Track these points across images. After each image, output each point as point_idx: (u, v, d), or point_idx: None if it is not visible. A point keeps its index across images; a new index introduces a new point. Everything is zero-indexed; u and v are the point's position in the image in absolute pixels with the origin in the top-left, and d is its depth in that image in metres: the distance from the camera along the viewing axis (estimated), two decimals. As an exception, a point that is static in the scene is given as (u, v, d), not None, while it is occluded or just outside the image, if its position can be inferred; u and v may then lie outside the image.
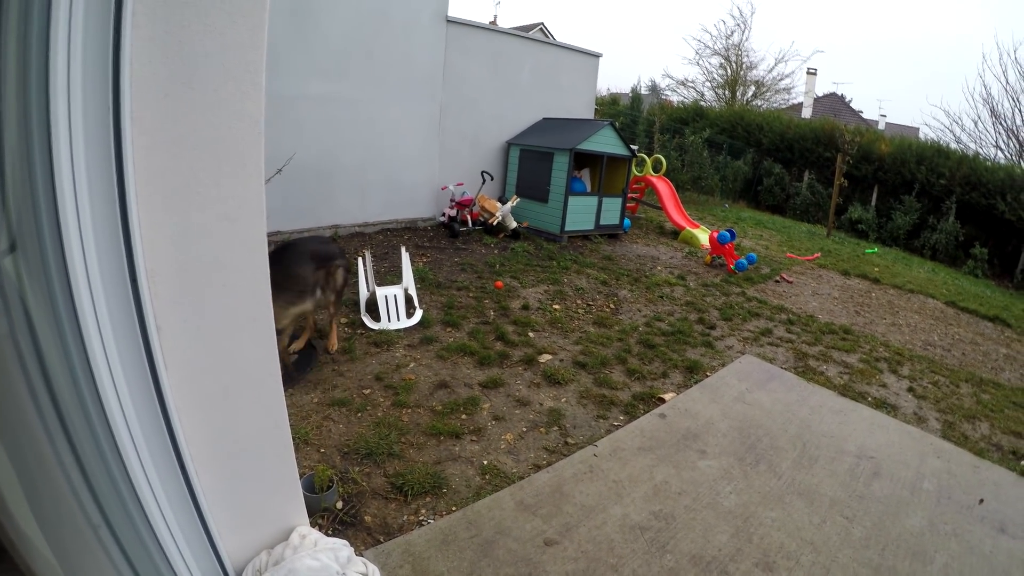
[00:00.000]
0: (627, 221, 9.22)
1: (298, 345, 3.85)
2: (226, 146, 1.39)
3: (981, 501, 3.09)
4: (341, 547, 1.72)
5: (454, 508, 2.53)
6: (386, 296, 4.54)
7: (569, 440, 3.23)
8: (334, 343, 3.94)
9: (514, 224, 7.90)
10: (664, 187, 10.37)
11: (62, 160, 1.16)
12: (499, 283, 5.75)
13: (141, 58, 1.21)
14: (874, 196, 14.78)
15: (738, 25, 25.86)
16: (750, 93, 24.87)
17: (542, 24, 25.44)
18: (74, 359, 1.24)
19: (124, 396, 1.30)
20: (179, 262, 1.37)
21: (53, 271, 1.20)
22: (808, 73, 24.49)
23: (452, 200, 7.94)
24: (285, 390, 3.60)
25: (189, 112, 1.31)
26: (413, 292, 4.81)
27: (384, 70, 7.20)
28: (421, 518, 2.46)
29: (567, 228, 8.05)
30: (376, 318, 4.47)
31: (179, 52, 1.26)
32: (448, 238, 7.62)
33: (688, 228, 9.60)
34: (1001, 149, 16.72)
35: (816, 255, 9.82)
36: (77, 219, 1.20)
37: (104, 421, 1.30)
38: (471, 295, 5.40)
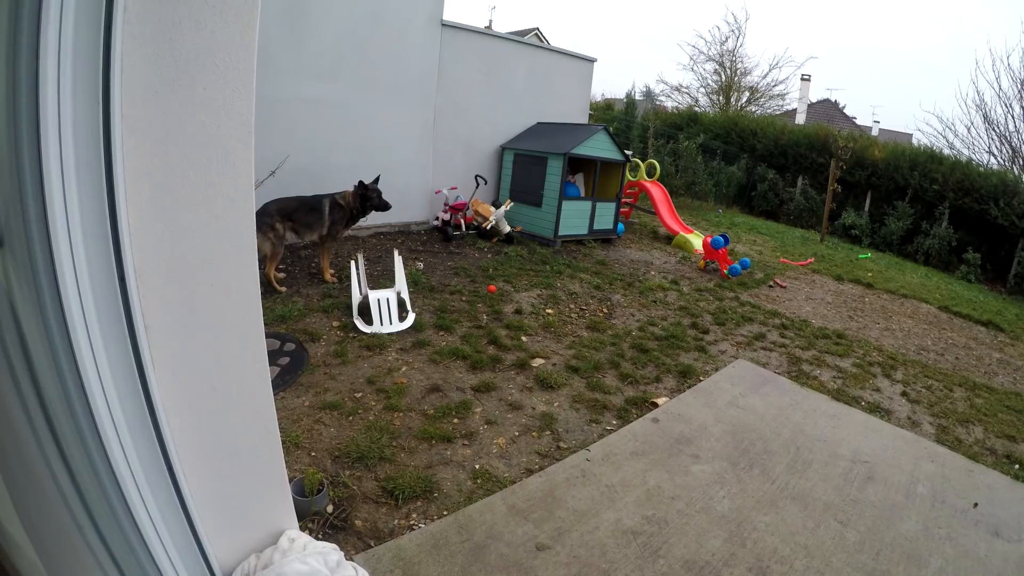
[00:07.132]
0: (621, 226, 9.22)
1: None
2: (215, 145, 1.38)
3: (975, 505, 3.09)
4: (330, 551, 1.70)
5: (445, 512, 2.51)
6: (379, 299, 4.52)
7: (562, 444, 3.21)
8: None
9: (508, 228, 7.89)
10: (658, 192, 10.39)
11: (51, 158, 1.15)
12: (492, 287, 5.73)
13: (131, 55, 1.20)
14: (867, 202, 14.84)
15: (732, 31, 25.96)
16: (744, 99, 25.01)
17: (537, 30, 25.58)
18: (61, 358, 1.22)
19: (111, 396, 1.28)
20: (168, 261, 1.36)
21: (41, 269, 1.18)
22: (802, 79, 24.69)
23: (446, 204, 7.93)
24: (276, 393, 3.55)
25: (179, 110, 1.30)
26: (406, 295, 4.79)
27: (378, 73, 7.18)
28: (412, 522, 2.44)
29: (561, 232, 8.05)
30: (368, 321, 4.45)
31: (169, 50, 1.25)
32: (442, 242, 7.60)
33: (682, 233, 9.61)
34: (994, 155, 16.80)
35: (810, 260, 9.85)
36: (66, 217, 1.18)
37: (91, 421, 1.28)
38: (464, 299, 5.39)
